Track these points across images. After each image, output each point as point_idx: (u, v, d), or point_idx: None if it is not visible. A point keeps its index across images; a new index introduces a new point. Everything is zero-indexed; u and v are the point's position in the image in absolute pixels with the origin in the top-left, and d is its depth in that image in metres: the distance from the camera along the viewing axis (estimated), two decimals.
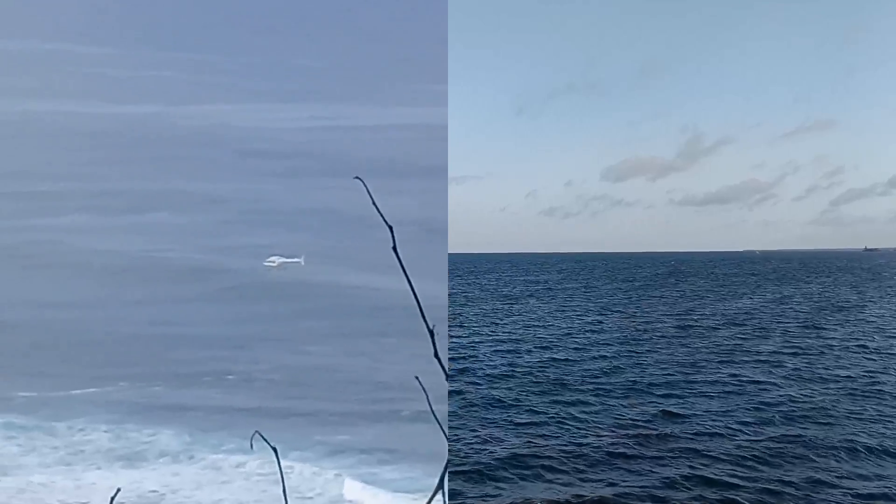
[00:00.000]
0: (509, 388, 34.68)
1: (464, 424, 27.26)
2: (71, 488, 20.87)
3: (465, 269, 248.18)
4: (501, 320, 68.88)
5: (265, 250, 32.73)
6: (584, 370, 39.76)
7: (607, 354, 46.25)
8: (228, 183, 40.03)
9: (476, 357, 45.65)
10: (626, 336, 56.09)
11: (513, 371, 39.68)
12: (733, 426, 27.87)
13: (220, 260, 31.96)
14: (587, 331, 59.98)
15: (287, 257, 35.13)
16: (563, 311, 79.68)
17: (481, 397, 32.48)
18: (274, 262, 34.81)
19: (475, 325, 65.99)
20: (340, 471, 20.88)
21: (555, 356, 45.85)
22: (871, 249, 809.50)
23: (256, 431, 4.06)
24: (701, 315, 72.64)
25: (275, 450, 3.66)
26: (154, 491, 20.27)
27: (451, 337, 54.32)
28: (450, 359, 43.85)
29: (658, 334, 57.35)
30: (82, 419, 22.70)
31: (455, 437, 24.81)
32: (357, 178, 3.53)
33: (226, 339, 25.86)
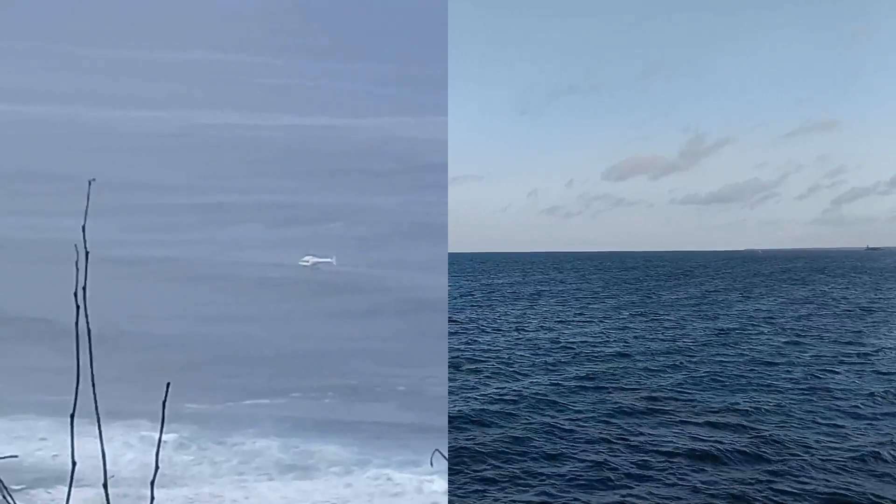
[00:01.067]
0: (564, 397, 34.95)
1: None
2: (241, 499, 21.06)
3: (478, 269, 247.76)
4: (528, 322, 68.79)
5: (427, 264, 32.80)
6: (645, 385, 38.16)
7: (659, 364, 44.82)
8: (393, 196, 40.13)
9: (521, 368, 44.56)
10: (668, 344, 54.87)
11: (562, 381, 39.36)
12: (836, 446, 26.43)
13: (387, 274, 32.06)
14: (626, 339, 58.63)
15: (320, 257, 35.05)
16: (589, 315, 78.90)
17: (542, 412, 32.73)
18: (308, 261, 34.74)
19: (498, 326, 66.30)
20: None
21: (598, 366, 44.07)
22: (873, 248, 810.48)
23: (437, 450, 4.27)
24: (736, 317, 72.62)
25: (448, 465, 3.88)
26: (326, 502, 20.48)
27: (478, 339, 54.54)
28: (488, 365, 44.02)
29: (697, 340, 56.73)
30: (253, 430, 22.89)
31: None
32: None
33: (395, 355, 26.00)
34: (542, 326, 65.33)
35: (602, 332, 61.13)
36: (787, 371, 42.06)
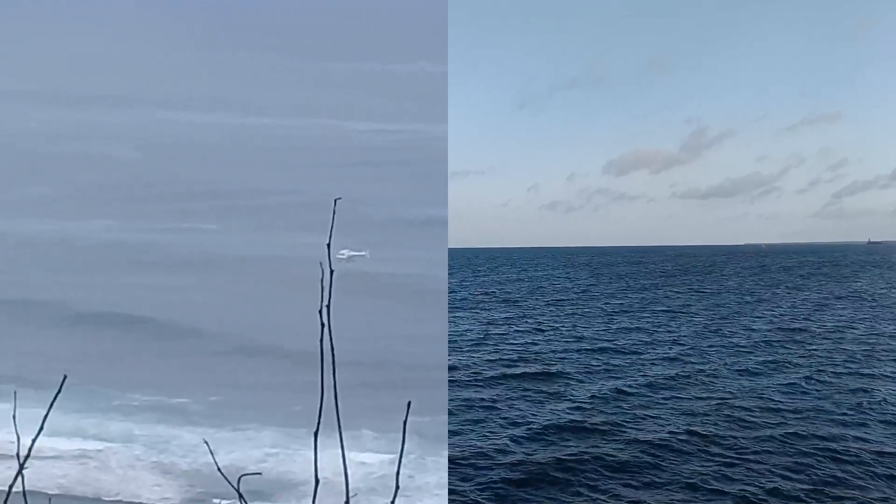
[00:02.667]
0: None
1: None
2: None
3: (487, 265, 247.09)
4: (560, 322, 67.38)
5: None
6: (716, 398, 35.27)
7: (724, 381, 39.60)
8: None
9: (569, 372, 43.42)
10: (714, 351, 50.06)
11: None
12: None
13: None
14: (671, 342, 54.99)
15: (356, 251, 35.70)
16: (619, 313, 77.16)
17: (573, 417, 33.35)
18: (344, 254, 35.27)
19: (536, 325, 66.41)
20: None
21: (655, 377, 40.17)
22: (874, 242, 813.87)
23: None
24: (770, 319, 70.76)
25: None
26: None
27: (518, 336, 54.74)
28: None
29: (744, 345, 52.21)
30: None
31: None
32: None
33: None
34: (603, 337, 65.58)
35: (688, 342, 60.78)
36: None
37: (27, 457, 2.82)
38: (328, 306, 2.98)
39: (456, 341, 53.57)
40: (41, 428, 3.01)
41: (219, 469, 3.34)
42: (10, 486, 3.65)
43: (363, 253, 34.67)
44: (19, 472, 2.88)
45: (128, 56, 60.37)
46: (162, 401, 24.63)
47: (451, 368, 40.20)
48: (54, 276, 31.36)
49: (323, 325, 2.94)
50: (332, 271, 3.07)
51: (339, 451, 2.89)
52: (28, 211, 37.83)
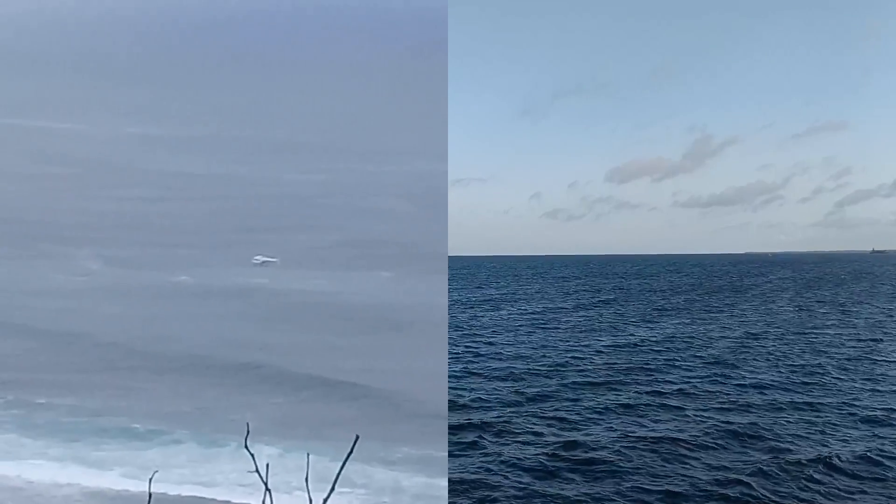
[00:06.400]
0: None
1: None
2: None
3: (507, 274, 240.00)
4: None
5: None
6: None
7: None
8: None
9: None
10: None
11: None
12: None
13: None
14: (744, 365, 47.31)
15: (268, 257, 38.59)
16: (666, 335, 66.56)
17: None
18: (258, 260, 38.19)
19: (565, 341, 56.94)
20: None
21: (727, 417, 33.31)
22: (879, 251, 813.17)
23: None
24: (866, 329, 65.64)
25: None
26: None
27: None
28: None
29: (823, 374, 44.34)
30: None
31: None
32: None
33: None
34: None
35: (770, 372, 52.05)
36: None
37: None
38: None
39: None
40: (332, 487, 4.22)
41: None
42: None
43: (274, 259, 38.07)
44: None
45: (390, 110, 59.35)
46: None
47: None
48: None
49: None
50: None
51: None
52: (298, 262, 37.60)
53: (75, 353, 25.31)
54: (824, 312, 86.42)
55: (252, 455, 4.89)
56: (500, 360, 48.97)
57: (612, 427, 30.41)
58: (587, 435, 28.83)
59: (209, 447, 23.97)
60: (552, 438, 28.55)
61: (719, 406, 34.63)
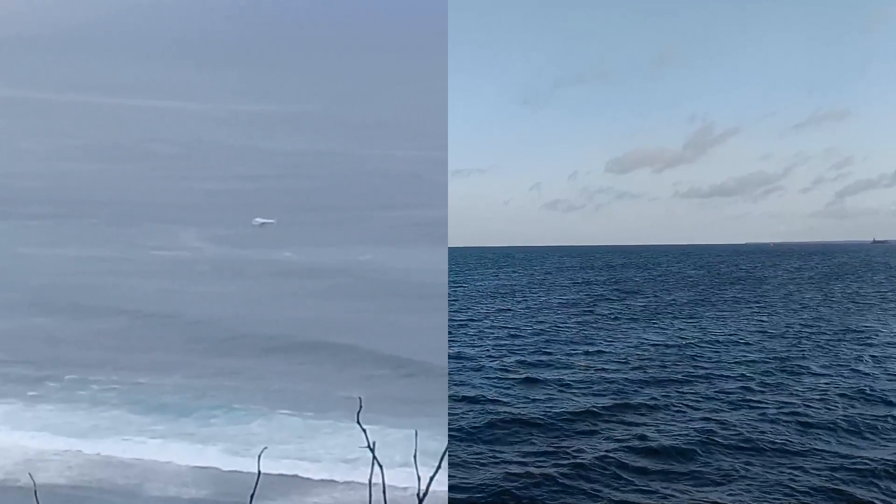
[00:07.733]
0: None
1: None
2: None
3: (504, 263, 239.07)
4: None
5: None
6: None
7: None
8: None
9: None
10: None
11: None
12: None
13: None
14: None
15: (265, 219, 39.00)
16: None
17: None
18: (257, 222, 38.47)
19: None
20: None
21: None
22: (879, 241, 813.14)
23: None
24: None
25: None
26: None
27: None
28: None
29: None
30: None
31: None
32: None
33: None
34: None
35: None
36: None
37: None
38: None
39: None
40: (439, 465, 4.35)
41: None
42: None
43: (271, 221, 38.73)
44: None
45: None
46: None
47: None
48: None
49: None
50: None
51: None
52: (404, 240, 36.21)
53: (179, 332, 25.57)
54: (859, 305, 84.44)
55: (364, 430, 5.06)
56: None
57: (724, 421, 29.50)
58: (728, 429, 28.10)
59: (313, 423, 24.28)
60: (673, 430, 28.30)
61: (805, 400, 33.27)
